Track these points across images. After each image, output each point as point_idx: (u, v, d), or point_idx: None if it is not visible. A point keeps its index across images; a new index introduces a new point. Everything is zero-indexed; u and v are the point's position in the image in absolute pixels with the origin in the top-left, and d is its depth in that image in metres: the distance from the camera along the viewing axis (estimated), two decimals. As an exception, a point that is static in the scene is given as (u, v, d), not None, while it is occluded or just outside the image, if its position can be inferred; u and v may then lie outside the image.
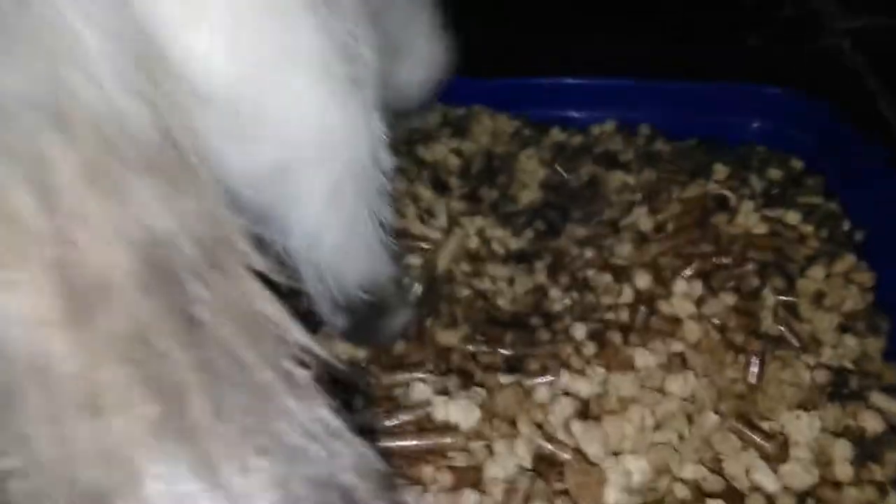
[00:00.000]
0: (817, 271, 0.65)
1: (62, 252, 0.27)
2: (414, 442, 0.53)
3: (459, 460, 0.52)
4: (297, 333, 0.32)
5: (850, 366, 0.58)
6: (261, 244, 0.44)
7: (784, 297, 0.62)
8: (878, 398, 0.55)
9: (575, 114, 0.89)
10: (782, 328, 0.60)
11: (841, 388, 0.56)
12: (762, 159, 0.80)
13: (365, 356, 0.60)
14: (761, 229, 0.67)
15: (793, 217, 0.69)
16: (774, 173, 0.77)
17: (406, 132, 0.85)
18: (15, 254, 0.26)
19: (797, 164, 0.79)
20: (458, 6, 0.73)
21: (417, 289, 0.64)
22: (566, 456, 0.52)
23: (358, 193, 0.49)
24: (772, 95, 0.85)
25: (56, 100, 0.27)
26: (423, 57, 0.76)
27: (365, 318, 0.57)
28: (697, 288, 0.61)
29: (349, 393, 0.56)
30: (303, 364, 0.32)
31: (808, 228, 0.69)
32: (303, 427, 0.31)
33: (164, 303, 0.29)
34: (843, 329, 0.60)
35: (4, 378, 0.27)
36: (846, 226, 0.70)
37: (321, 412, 0.32)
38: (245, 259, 0.32)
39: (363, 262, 0.53)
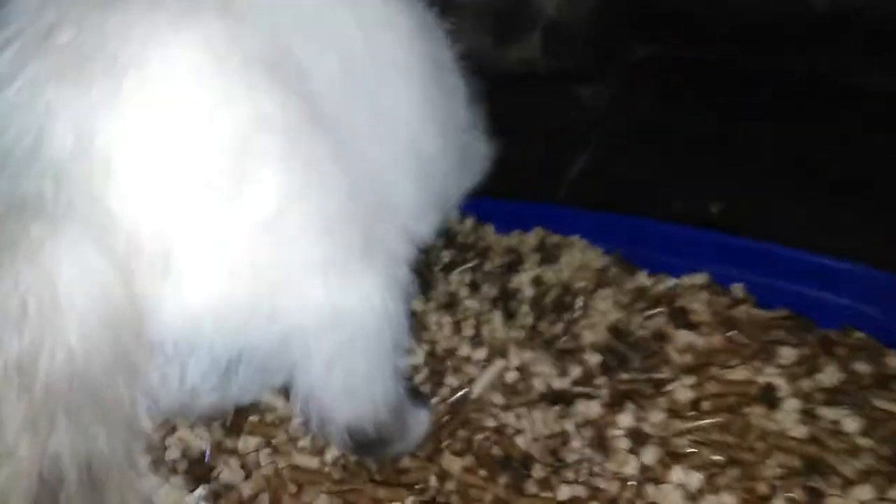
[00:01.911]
0: (864, 492, 0.60)
1: None
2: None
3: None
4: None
5: None
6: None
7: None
8: None
9: (669, 259, 0.89)
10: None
11: None
12: (853, 349, 0.74)
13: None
14: (800, 431, 0.63)
15: (851, 424, 0.64)
16: (861, 367, 0.71)
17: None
18: None
19: (893, 361, 0.72)
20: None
21: (425, 420, 0.69)
22: None
23: (367, 352, 0.55)
24: (889, 281, 0.78)
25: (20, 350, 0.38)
26: (474, 172, 0.83)
27: (364, 445, 0.63)
28: (694, 481, 0.60)
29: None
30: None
31: (867, 441, 0.63)
32: None
33: None
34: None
35: None
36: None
37: None
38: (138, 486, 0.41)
39: (365, 409, 0.59)
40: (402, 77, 0.57)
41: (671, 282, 0.86)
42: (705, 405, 0.68)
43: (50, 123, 0.41)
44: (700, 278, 0.85)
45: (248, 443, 0.70)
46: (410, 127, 0.58)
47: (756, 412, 0.65)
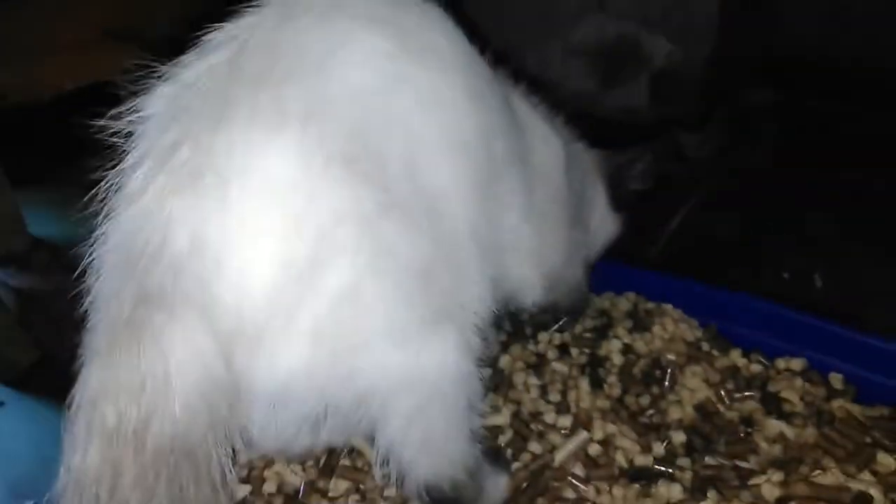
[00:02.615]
0: None
1: None
2: None
3: None
4: None
5: None
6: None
7: None
8: None
9: (765, 340, 0.87)
10: None
11: None
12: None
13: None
14: (893, 550, 0.62)
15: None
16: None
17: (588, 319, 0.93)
18: None
19: None
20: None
21: (502, 485, 0.71)
22: None
23: (442, 412, 0.59)
24: None
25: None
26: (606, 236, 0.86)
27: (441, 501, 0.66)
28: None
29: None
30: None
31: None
32: None
33: None
34: None
35: None
36: None
37: None
38: None
39: (441, 467, 0.63)
40: (458, 156, 0.60)
41: (765, 363, 0.85)
42: (792, 506, 0.67)
43: (172, 229, 0.49)
44: (797, 363, 0.84)
45: (338, 486, 0.75)
46: (466, 205, 0.61)
47: (848, 524, 0.64)
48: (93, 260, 0.54)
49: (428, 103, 0.58)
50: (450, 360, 0.58)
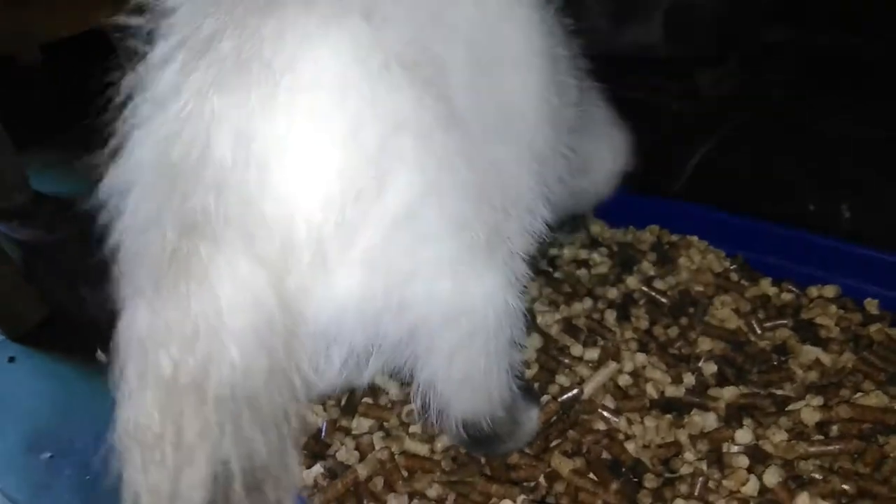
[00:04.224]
0: None
1: None
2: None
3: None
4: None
5: None
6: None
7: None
8: None
9: (796, 268, 0.84)
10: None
11: None
12: None
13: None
14: (942, 469, 0.59)
15: None
16: None
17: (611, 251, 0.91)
18: None
19: None
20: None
21: (535, 418, 0.69)
22: None
23: (486, 347, 0.56)
24: None
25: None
26: (608, 168, 0.81)
27: (478, 440, 0.64)
28: (823, 511, 0.57)
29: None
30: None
31: None
32: None
33: None
34: None
35: None
36: None
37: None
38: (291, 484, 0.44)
39: (481, 402, 0.60)
40: (521, 72, 0.56)
41: (797, 292, 0.82)
42: (834, 430, 0.65)
43: (214, 134, 0.42)
44: (830, 290, 0.81)
45: (361, 424, 0.73)
46: (528, 122, 0.57)
47: (893, 443, 0.61)
48: (110, 193, 0.47)
49: (496, 15, 0.53)
50: (499, 292, 0.54)
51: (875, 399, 0.65)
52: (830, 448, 0.63)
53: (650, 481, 0.65)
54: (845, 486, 0.60)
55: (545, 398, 0.73)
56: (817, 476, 0.61)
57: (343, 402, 0.75)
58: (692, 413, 0.70)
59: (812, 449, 0.63)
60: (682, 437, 0.69)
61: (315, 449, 0.72)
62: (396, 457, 0.68)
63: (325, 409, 0.75)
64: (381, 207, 0.46)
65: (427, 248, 0.49)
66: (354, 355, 0.53)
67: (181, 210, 0.43)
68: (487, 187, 0.52)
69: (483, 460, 0.68)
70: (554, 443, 0.69)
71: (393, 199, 0.47)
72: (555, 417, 0.72)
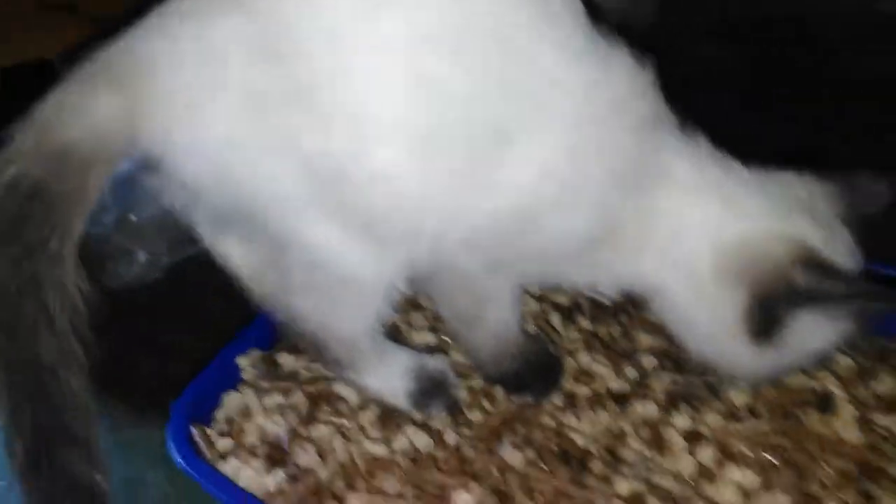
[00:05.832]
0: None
1: None
2: None
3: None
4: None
5: None
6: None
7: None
8: None
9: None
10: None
11: None
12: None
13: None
14: (857, 439, 0.65)
15: (906, 432, 0.66)
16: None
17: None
18: None
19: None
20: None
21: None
22: None
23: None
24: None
25: None
26: None
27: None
28: (750, 480, 0.62)
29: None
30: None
31: (922, 449, 0.65)
32: None
33: None
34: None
35: None
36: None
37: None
38: None
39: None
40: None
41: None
42: (760, 409, 0.70)
43: None
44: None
45: (321, 430, 0.75)
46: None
47: (813, 418, 0.67)
48: None
49: None
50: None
51: (796, 380, 0.71)
52: (759, 426, 0.68)
53: (597, 467, 0.69)
54: (773, 459, 0.65)
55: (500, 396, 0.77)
56: (747, 451, 0.66)
57: (304, 412, 0.77)
58: (634, 403, 0.75)
59: (741, 427, 0.68)
60: (627, 426, 0.73)
61: (276, 457, 0.73)
62: (356, 458, 0.71)
63: (284, 419, 0.77)
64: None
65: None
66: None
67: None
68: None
69: (439, 457, 0.71)
70: (506, 439, 0.73)
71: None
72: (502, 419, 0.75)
